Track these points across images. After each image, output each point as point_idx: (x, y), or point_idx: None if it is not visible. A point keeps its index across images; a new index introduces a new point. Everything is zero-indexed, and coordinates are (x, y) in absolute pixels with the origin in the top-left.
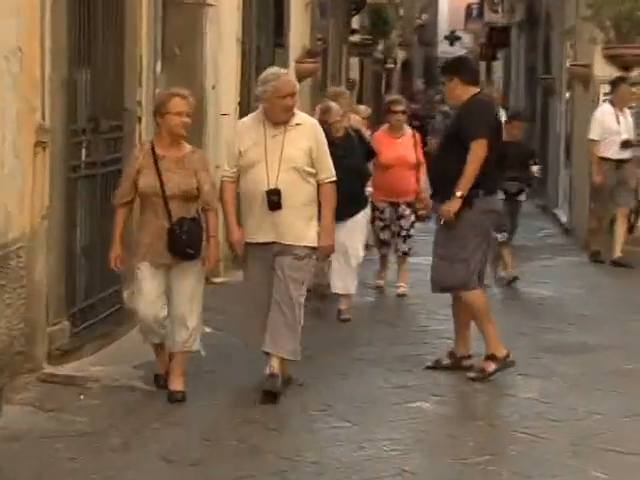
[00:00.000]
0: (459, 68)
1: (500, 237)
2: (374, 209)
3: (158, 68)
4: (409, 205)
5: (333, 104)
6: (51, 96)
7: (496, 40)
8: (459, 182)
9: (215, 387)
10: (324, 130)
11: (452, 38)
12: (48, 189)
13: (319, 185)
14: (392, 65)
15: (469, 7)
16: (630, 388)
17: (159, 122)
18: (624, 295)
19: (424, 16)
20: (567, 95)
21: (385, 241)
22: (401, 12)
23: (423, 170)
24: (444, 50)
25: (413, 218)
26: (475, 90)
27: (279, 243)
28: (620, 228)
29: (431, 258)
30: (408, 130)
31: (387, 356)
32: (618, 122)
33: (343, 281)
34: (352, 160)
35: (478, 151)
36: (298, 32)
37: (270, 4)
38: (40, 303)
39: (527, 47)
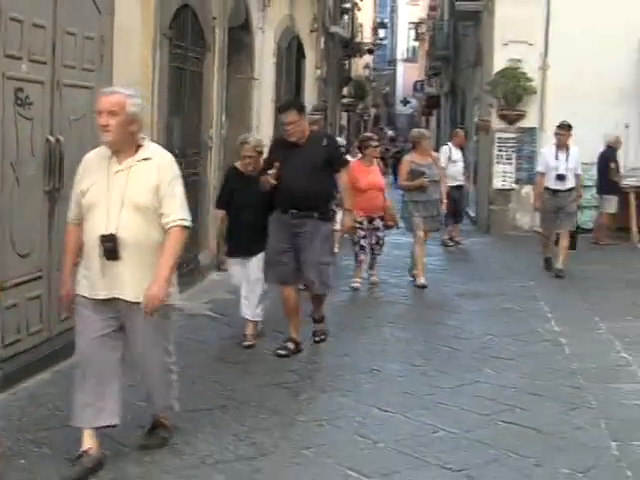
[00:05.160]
0: (303, 107)
1: None
2: (360, 223)
3: (223, 117)
4: (381, 219)
5: (252, 137)
6: (157, 134)
7: (431, 103)
8: (344, 199)
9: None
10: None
11: (405, 102)
12: None
13: (166, 230)
14: (367, 118)
15: (416, 83)
16: (511, 319)
17: None
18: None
19: (387, 87)
20: (475, 138)
21: (364, 247)
22: (373, 84)
23: (385, 191)
24: (400, 109)
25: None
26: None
27: (123, 300)
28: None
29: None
30: (374, 160)
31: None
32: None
33: (251, 309)
34: (251, 192)
35: (347, 174)
36: (310, 95)
37: (292, 79)
38: None
39: (450, 108)
